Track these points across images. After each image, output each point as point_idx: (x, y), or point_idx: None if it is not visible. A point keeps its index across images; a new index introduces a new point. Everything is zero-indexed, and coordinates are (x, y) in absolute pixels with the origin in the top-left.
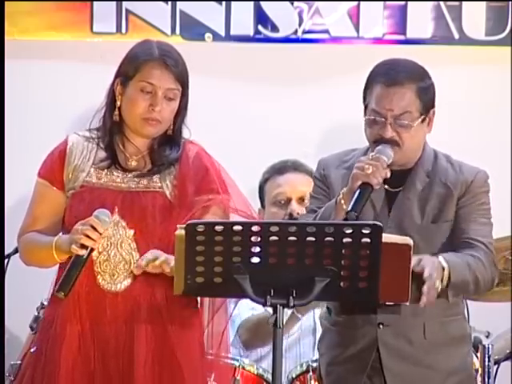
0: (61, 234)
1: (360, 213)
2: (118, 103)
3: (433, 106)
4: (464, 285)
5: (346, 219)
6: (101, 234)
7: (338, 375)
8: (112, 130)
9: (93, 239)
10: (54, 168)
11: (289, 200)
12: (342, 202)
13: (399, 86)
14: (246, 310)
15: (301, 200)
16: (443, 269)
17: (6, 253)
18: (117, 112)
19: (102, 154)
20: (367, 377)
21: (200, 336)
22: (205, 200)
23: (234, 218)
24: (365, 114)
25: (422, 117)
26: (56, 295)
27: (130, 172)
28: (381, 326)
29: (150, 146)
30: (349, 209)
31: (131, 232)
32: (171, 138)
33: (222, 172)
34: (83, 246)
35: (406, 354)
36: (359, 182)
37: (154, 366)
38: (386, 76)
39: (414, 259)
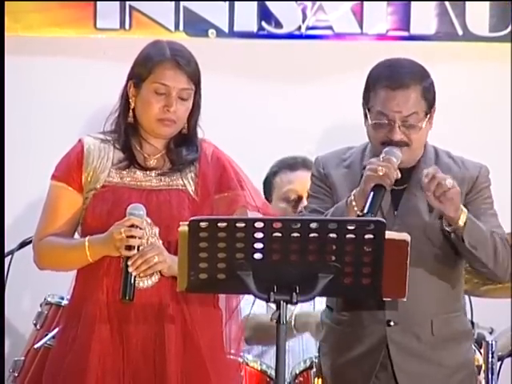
0: (77, 234)
1: (376, 214)
2: (132, 105)
3: (434, 103)
4: (483, 240)
5: (358, 216)
6: (142, 228)
7: (346, 376)
8: (127, 131)
9: (138, 237)
10: (72, 170)
11: (299, 198)
12: (354, 203)
13: (405, 88)
14: (248, 304)
15: None
16: (462, 210)
17: (9, 249)
18: (131, 114)
19: (120, 154)
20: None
21: (221, 335)
22: (226, 198)
23: (254, 215)
24: (369, 117)
25: (428, 116)
26: (123, 302)
27: (150, 171)
28: (391, 324)
29: (167, 145)
30: (365, 211)
31: (156, 230)
32: (187, 138)
33: (238, 169)
34: (130, 247)
35: (415, 350)
36: (372, 184)
37: (183, 363)
38: (391, 79)
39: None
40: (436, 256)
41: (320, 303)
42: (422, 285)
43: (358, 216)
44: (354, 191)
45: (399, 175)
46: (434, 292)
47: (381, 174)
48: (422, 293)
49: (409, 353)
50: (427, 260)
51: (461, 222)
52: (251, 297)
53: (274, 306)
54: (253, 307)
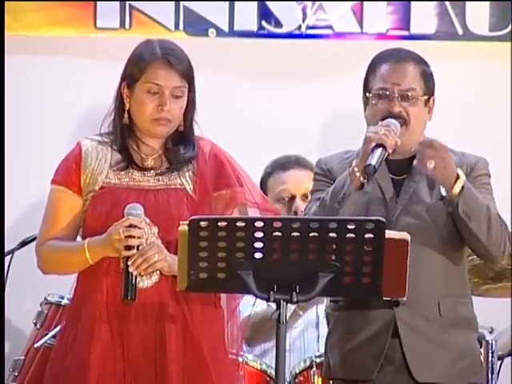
0: (79, 236)
1: (378, 168)
2: (127, 106)
3: (433, 93)
4: (476, 209)
5: (361, 185)
6: (140, 228)
7: (355, 360)
8: (123, 132)
9: (137, 236)
10: (71, 173)
11: (293, 197)
12: (356, 169)
13: (404, 62)
14: (247, 306)
15: (305, 197)
16: (458, 176)
17: (10, 248)
18: (126, 115)
19: (118, 156)
20: None
21: (222, 335)
22: (224, 195)
23: (253, 211)
24: (368, 99)
25: (426, 97)
26: (125, 302)
27: (148, 171)
28: (399, 304)
29: (164, 144)
30: (367, 162)
31: (155, 229)
32: (184, 136)
33: (237, 166)
34: (129, 247)
35: (423, 329)
36: (373, 144)
37: (184, 363)
38: (391, 56)
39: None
40: (441, 237)
41: None
42: (428, 266)
43: (362, 183)
44: (355, 160)
45: (399, 142)
46: (439, 273)
47: (381, 133)
48: (428, 273)
49: (417, 331)
50: (432, 241)
51: (457, 188)
52: (251, 298)
53: (274, 305)
54: (253, 308)
